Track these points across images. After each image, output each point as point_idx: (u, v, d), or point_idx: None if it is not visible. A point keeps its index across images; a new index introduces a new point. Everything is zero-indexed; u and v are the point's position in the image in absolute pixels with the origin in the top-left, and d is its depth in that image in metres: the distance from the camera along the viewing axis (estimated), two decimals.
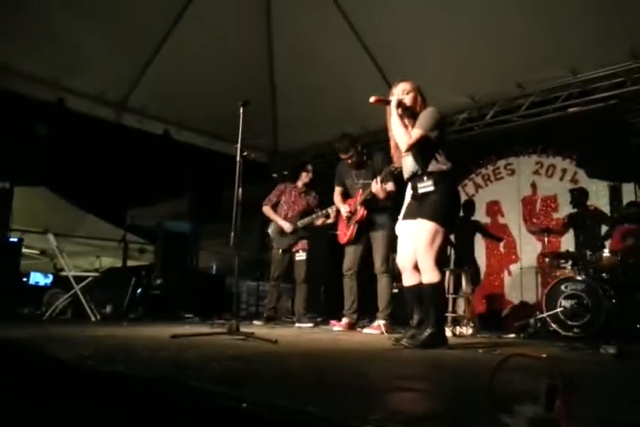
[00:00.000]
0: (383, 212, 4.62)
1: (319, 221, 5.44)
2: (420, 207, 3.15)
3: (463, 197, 7.10)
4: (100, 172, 9.86)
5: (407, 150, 3.17)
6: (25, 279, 8.90)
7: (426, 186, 3.14)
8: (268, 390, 1.35)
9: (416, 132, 3.13)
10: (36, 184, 7.53)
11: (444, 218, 3.08)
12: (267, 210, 5.58)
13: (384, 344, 3.12)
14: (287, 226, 5.44)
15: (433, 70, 5.17)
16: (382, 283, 4.64)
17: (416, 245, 3.09)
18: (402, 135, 3.15)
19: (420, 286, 3.11)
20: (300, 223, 5.44)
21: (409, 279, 3.19)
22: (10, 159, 6.91)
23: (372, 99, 3.21)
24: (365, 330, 4.56)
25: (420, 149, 3.17)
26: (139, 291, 6.64)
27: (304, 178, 5.62)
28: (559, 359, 2.81)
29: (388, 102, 3.22)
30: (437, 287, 3.06)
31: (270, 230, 5.62)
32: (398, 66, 5.68)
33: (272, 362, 2.15)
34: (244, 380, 1.55)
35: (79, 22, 5.19)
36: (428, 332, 3.00)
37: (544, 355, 1.08)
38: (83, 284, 5.20)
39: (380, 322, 4.49)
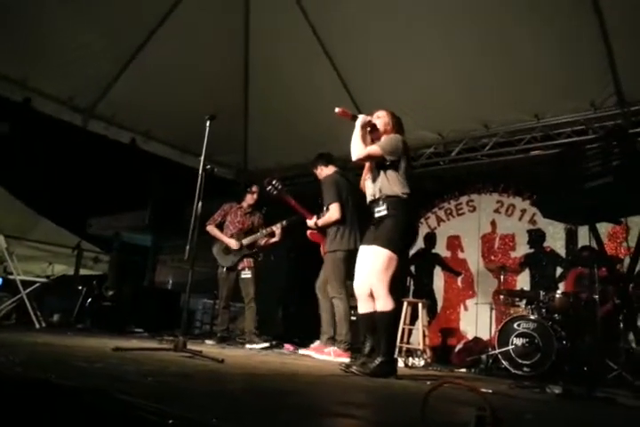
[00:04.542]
0: (331, 235, 4.56)
1: (263, 240, 5.44)
2: (376, 233, 3.17)
3: (425, 230, 7.22)
4: (61, 175, 9.60)
5: (356, 160, 3.25)
6: None
7: (380, 210, 3.19)
8: (200, 409, 1.31)
9: (372, 148, 3.22)
10: None
11: (398, 245, 3.11)
12: (211, 229, 5.55)
13: (333, 370, 3.09)
14: (234, 243, 5.41)
15: (403, 104, 5.29)
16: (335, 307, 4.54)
17: (370, 272, 3.10)
18: (357, 146, 3.23)
19: (373, 314, 3.10)
20: (245, 241, 5.42)
21: (364, 307, 3.19)
22: None
23: (337, 109, 3.29)
24: (305, 351, 4.50)
25: (380, 174, 3.23)
26: (89, 301, 6.42)
27: (249, 199, 5.64)
28: (505, 396, 2.83)
29: (355, 118, 3.30)
30: (390, 316, 3.06)
31: (214, 250, 5.58)
32: (370, 96, 5.83)
33: (213, 381, 2.10)
34: (179, 396, 1.50)
35: (55, 24, 5.12)
36: (378, 360, 2.99)
37: (478, 387, 1.09)
38: (30, 289, 5.01)
39: (331, 348, 4.42)
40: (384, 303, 3.03)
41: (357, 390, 2.41)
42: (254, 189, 5.65)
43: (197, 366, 2.57)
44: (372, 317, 3.11)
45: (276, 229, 5.26)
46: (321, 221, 4.57)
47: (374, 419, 1.59)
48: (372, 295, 3.12)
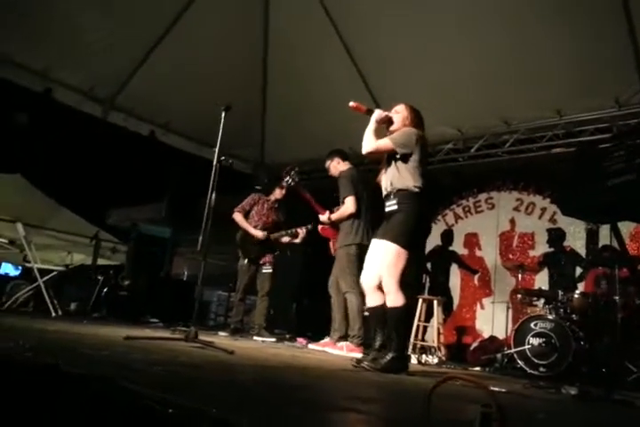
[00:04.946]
0: (346, 228, 4.55)
1: (286, 239, 5.41)
2: (386, 228, 3.12)
3: (443, 227, 7.14)
4: (81, 166, 9.68)
5: (366, 153, 3.22)
6: None
7: (390, 204, 3.14)
8: (204, 399, 1.30)
9: (382, 141, 3.17)
10: (11, 171, 7.33)
11: (408, 240, 3.04)
12: (238, 217, 5.49)
13: (344, 365, 3.07)
14: (261, 235, 5.38)
15: (423, 99, 5.18)
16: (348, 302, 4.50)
17: (380, 267, 3.07)
18: (369, 139, 3.19)
19: (382, 307, 3.07)
20: (272, 236, 5.41)
21: (371, 300, 3.15)
22: None
23: (351, 103, 3.25)
24: (314, 347, 4.48)
25: (392, 167, 3.19)
26: (105, 290, 6.49)
27: (277, 194, 5.62)
28: (518, 395, 2.78)
29: (370, 112, 3.26)
30: (401, 311, 3.01)
31: (238, 237, 5.54)
32: (390, 91, 5.76)
33: (221, 372, 2.09)
34: (183, 386, 1.49)
35: (77, 16, 5.16)
36: (389, 356, 2.95)
37: (485, 383, 1.05)
38: (47, 277, 5.07)
39: (344, 343, 4.40)
40: (395, 298, 2.99)
41: (367, 385, 2.38)
42: (284, 184, 5.63)
43: (207, 356, 2.57)
44: (381, 310, 3.08)
45: (301, 231, 5.24)
46: (335, 215, 4.55)
47: (383, 415, 1.57)
48: (379, 288, 3.08)
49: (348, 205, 4.45)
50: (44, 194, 7.67)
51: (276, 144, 7.50)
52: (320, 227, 4.80)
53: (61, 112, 6.08)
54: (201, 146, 7.15)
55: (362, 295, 4.36)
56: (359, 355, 4.06)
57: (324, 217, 4.63)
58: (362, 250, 4.32)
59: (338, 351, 4.29)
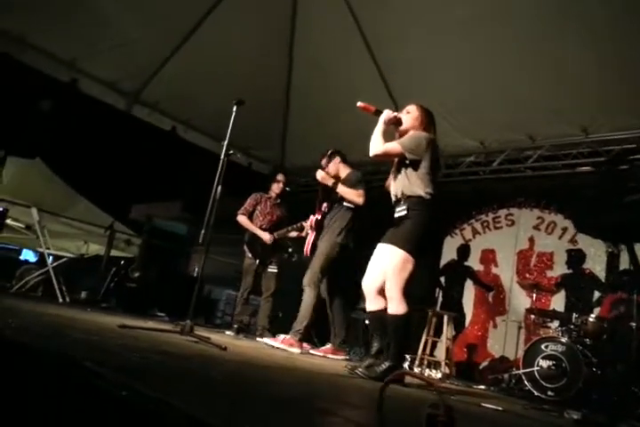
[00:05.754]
0: (340, 225, 4.50)
1: (294, 234, 5.36)
2: (394, 233, 3.05)
3: (460, 241, 7.02)
4: (103, 158, 9.80)
5: (373, 156, 3.15)
6: (20, 256, 8.98)
7: (400, 210, 3.06)
8: (172, 389, 1.26)
9: (391, 144, 3.09)
10: (31, 157, 7.44)
11: (416, 247, 2.96)
12: (243, 220, 5.46)
13: (338, 370, 3.01)
14: (268, 237, 5.35)
15: (445, 109, 5.18)
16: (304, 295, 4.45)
17: (385, 273, 2.99)
18: (376, 142, 3.12)
19: (382, 312, 3.00)
20: (277, 234, 5.36)
21: (372, 305, 3.08)
22: (8, 129, 6.89)
23: (359, 103, 3.20)
24: (315, 352, 4.40)
25: (401, 173, 3.12)
26: (115, 281, 6.54)
27: (275, 189, 5.56)
28: (515, 415, 2.68)
29: (378, 113, 3.19)
30: (402, 320, 2.93)
31: (246, 238, 5.51)
32: (412, 98, 5.70)
33: (206, 365, 2.05)
34: (156, 374, 1.45)
35: (107, 8, 5.22)
36: (386, 365, 2.88)
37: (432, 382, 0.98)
38: (56, 263, 5.12)
39: (285, 336, 4.34)
40: (397, 306, 2.91)
41: (356, 391, 2.33)
42: (280, 177, 5.58)
43: (197, 350, 2.54)
44: (381, 315, 3.01)
45: (306, 224, 5.21)
46: (342, 187, 4.39)
47: (360, 421, 1.50)
48: (380, 293, 3.02)
49: (360, 197, 4.38)
50: (62, 181, 7.74)
51: (297, 147, 7.49)
52: (312, 219, 4.74)
53: (86, 103, 6.17)
54: (221, 144, 7.17)
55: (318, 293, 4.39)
56: (297, 351, 4.11)
57: (324, 175, 4.45)
58: (344, 252, 4.41)
59: (273, 342, 4.27)
